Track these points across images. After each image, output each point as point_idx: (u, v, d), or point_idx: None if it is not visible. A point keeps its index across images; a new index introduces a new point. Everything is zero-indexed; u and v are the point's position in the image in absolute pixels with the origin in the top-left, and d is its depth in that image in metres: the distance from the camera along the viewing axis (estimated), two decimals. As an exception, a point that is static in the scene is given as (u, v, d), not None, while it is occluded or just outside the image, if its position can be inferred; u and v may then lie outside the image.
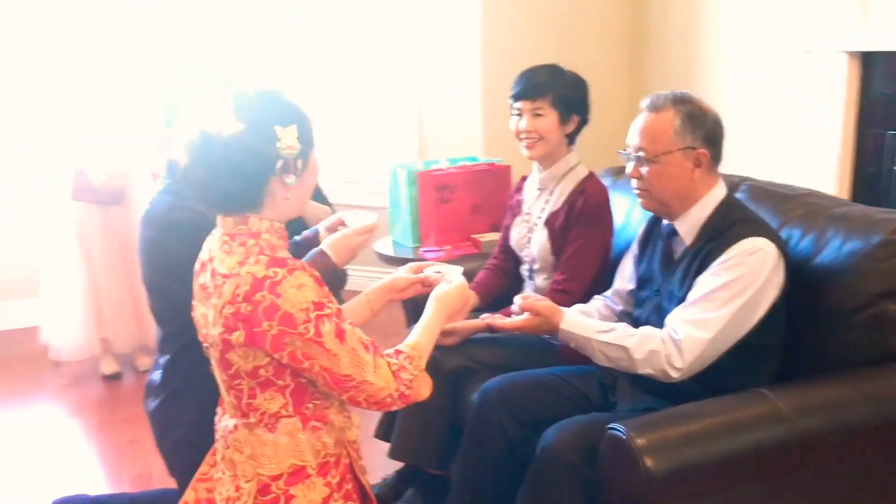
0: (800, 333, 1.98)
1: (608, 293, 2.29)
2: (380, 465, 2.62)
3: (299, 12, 4.53)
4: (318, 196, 3.28)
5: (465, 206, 3.13)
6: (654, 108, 1.95)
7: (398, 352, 1.66)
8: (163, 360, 2.13)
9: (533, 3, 4.17)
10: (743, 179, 2.39)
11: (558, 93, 2.37)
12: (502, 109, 3.66)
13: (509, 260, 2.64)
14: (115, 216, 3.66)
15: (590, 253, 2.37)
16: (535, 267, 2.51)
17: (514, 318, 2.06)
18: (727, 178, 2.44)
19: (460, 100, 4.23)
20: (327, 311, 1.53)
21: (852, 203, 2.18)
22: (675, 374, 1.85)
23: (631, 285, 2.20)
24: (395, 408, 1.66)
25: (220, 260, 1.58)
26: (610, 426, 1.67)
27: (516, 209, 2.60)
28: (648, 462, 1.58)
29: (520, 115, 2.42)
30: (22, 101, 4.14)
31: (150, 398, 2.15)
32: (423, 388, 1.69)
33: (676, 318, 1.89)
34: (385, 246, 3.29)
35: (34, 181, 4.03)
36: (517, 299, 2.07)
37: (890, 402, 1.78)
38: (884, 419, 1.77)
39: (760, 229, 1.90)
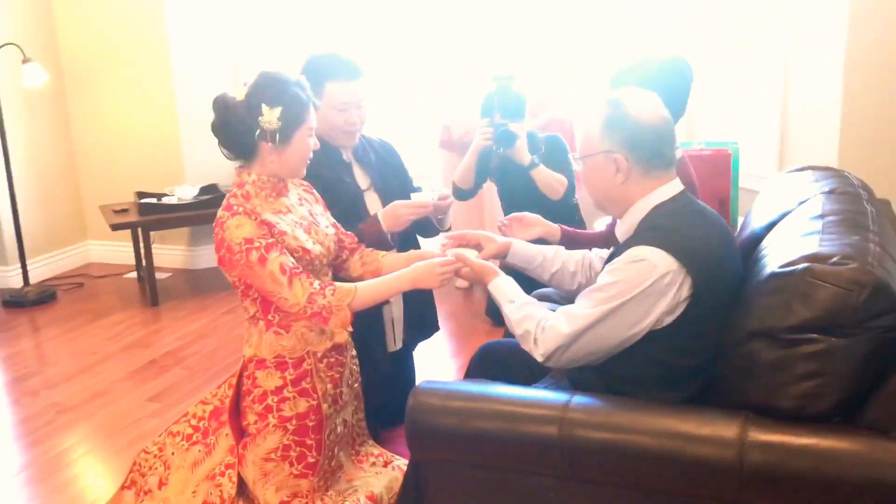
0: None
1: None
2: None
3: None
4: (568, 171, 3.57)
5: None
6: (596, 108, 1.94)
7: (330, 283, 2.16)
8: None
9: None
10: (830, 193, 2.05)
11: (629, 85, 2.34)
12: (866, 115, 3.46)
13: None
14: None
15: None
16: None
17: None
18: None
19: (819, 99, 3.81)
20: (256, 244, 2.10)
21: (859, 229, 1.76)
22: (539, 359, 1.90)
23: None
24: (313, 320, 2.16)
25: None
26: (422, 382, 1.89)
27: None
28: (410, 416, 1.79)
29: None
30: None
31: None
32: (338, 320, 2.13)
33: (563, 307, 1.92)
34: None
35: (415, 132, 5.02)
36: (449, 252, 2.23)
37: (685, 443, 1.58)
38: (673, 460, 1.59)
39: (663, 240, 1.78)
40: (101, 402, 3.42)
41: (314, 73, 2.61)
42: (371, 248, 2.47)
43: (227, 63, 5.02)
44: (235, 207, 2.14)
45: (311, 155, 2.24)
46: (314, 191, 2.43)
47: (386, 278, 2.22)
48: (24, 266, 4.73)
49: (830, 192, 2.05)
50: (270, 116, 2.12)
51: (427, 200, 2.53)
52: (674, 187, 1.89)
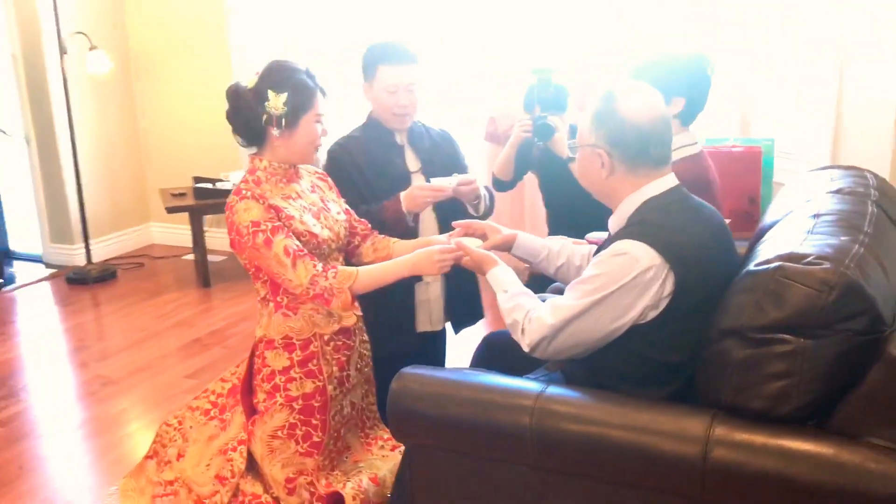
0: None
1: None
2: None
3: None
4: None
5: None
6: (593, 100, 1.94)
7: (333, 267, 2.24)
8: None
9: None
10: (836, 193, 2.00)
11: (649, 80, 2.32)
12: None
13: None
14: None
15: None
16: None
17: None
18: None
19: (874, 96, 3.64)
20: (263, 227, 2.19)
21: (850, 230, 1.72)
22: (525, 349, 1.92)
23: None
24: (316, 302, 2.24)
25: None
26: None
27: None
28: (392, 400, 1.84)
29: None
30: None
31: None
32: (339, 303, 2.20)
33: (551, 298, 1.93)
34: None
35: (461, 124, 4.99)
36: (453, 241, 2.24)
37: (652, 437, 1.59)
38: (640, 454, 1.59)
39: (648, 235, 1.78)
40: (143, 377, 3.58)
41: (370, 58, 2.73)
42: (384, 235, 2.53)
43: (285, 53, 5.14)
44: (244, 192, 2.22)
45: (321, 141, 2.31)
46: (328, 178, 2.50)
47: (387, 263, 2.28)
48: (87, 245, 4.97)
49: (837, 191, 2.01)
50: (276, 102, 2.20)
51: (444, 185, 2.58)
52: (666, 182, 1.88)
